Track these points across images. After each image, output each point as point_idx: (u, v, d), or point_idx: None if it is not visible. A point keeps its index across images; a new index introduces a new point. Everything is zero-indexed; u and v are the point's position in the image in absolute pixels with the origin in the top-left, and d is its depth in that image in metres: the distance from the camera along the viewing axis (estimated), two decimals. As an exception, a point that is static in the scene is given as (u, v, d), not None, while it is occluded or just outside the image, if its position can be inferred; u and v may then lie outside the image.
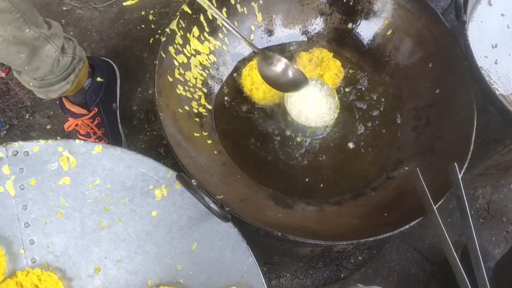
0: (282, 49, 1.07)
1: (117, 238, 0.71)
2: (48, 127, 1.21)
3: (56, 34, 0.91)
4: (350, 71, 1.05)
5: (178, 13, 0.89)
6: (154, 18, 1.35)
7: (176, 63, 0.90)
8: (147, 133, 1.23)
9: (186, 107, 0.91)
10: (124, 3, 1.35)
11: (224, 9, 0.97)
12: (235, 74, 1.01)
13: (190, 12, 0.91)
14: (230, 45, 1.02)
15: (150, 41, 1.31)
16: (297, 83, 0.88)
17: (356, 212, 0.86)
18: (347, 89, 1.03)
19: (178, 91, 0.89)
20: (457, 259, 0.67)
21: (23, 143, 0.72)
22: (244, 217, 0.70)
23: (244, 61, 1.03)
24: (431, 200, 0.73)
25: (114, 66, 1.18)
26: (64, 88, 0.98)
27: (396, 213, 0.81)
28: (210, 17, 0.95)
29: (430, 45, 0.97)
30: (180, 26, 0.89)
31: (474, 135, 0.82)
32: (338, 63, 1.03)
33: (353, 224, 0.82)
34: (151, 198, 0.73)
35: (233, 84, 1.01)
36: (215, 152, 0.91)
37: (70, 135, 1.16)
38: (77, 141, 0.73)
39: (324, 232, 0.79)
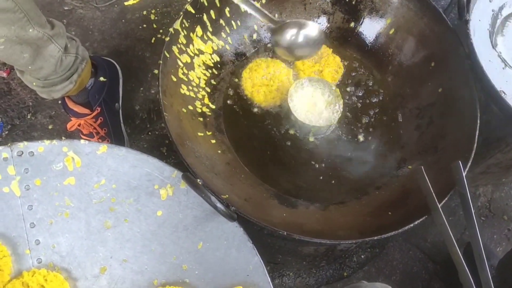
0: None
1: (122, 238, 0.71)
2: (50, 127, 1.21)
3: (59, 34, 0.91)
4: (353, 70, 1.05)
5: (181, 13, 0.89)
6: (156, 18, 1.35)
7: (180, 63, 0.90)
8: (149, 133, 1.23)
9: (190, 107, 0.91)
10: (126, 3, 1.35)
11: (227, 9, 0.97)
12: (236, 79, 1.01)
13: (193, 11, 0.91)
14: (233, 44, 1.02)
15: (152, 41, 1.31)
16: (317, 41, 0.89)
17: (361, 211, 0.86)
18: (349, 88, 1.03)
19: (182, 91, 0.89)
20: (461, 257, 0.67)
21: (28, 144, 0.71)
22: (250, 217, 0.70)
23: (244, 64, 1.03)
24: (435, 198, 0.73)
25: (117, 65, 1.18)
26: (67, 88, 0.98)
27: (400, 212, 0.82)
28: (213, 17, 0.95)
29: (433, 44, 0.97)
30: (183, 25, 0.90)
31: (477, 134, 0.82)
32: (338, 58, 1.04)
33: (358, 223, 0.82)
34: (156, 197, 0.73)
35: (236, 84, 1.01)
36: (219, 151, 0.91)
37: (72, 135, 1.16)
38: (82, 141, 0.73)
39: (329, 231, 0.79)
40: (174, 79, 0.88)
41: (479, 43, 0.91)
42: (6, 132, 1.19)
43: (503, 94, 0.86)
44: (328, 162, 0.95)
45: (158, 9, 1.36)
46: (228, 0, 0.97)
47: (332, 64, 1.02)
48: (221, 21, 0.98)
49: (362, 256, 1.15)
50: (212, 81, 0.99)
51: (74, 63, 0.96)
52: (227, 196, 0.74)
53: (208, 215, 0.72)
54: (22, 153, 0.71)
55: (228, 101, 0.99)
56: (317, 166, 0.94)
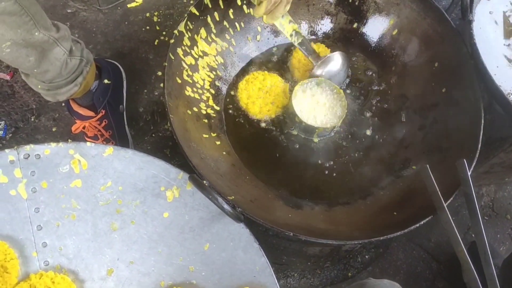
0: (288, 50, 1.07)
1: (129, 240, 0.71)
2: (53, 129, 1.21)
3: (65, 36, 0.91)
4: (357, 71, 1.06)
5: (186, 15, 0.89)
6: (159, 20, 1.35)
7: (185, 65, 0.90)
8: (153, 135, 1.24)
9: (195, 109, 0.91)
10: (129, 5, 1.35)
11: (231, 10, 0.98)
12: (232, 92, 1.01)
13: (197, 13, 0.91)
14: (236, 46, 1.02)
15: (155, 43, 1.31)
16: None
17: (365, 212, 0.87)
18: (354, 90, 1.03)
19: (186, 93, 0.90)
20: (467, 255, 0.67)
21: (35, 146, 0.72)
22: (256, 218, 0.70)
23: (244, 71, 1.04)
24: (441, 197, 0.73)
25: (120, 68, 1.18)
26: (72, 90, 0.98)
27: (405, 212, 0.82)
28: (217, 19, 0.96)
29: (436, 45, 0.97)
30: (188, 27, 0.90)
31: (481, 134, 0.83)
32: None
33: (363, 223, 0.83)
34: (162, 199, 0.73)
35: (235, 89, 1.01)
36: (224, 153, 0.91)
37: (77, 138, 1.16)
38: (88, 143, 0.74)
39: (335, 231, 0.80)
40: (179, 81, 0.88)
41: (482, 43, 0.91)
42: (10, 135, 1.19)
43: (506, 93, 0.87)
44: (332, 163, 0.95)
45: (160, 11, 1.36)
46: (231, 2, 0.97)
47: None
48: (225, 23, 0.98)
49: (366, 256, 1.15)
50: (216, 83, 0.99)
51: (79, 66, 0.97)
52: (233, 197, 0.74)
53: (214, 216, 0.72)
54: (29, 155, 0.71)
55: (233, 103, 0.99)
56: (321, 167, 0.94)
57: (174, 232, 0.72)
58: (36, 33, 0.82)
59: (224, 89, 1.00)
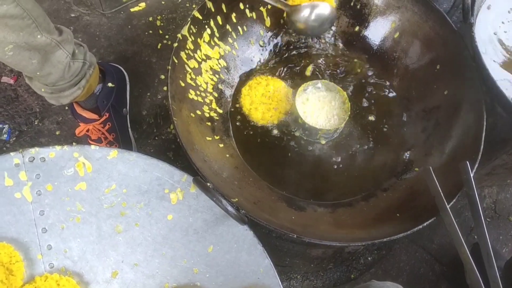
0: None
1: (133, 242, 0.72)
2: (57, 133, 1.21)
3: (67, 40, 0.91)
4: (358, 74, 1.06)
5: (189, 19, 0.90)
6: (162, 24, 1.36)
7: (188, 68, 0.91)
8: (156, 138, 1.24)
9: (198, 112, 0.92)
10: (132, 9, 1.36)
11: (234, 14, 0.98)
12: (235, 95, 1.01)
13: (200, 17, 0.92)
14: (239, 49, 1.03)
15: (158, 47, 1.32)
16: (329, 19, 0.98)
17: (368, 213, 0.87)
18: (356, 92, 1.04)
19: (190, 96, 0.90)
20: (470, 257, 0.67)
21: (39, 149, 0.72)
22: (260, 220, 0.71)
23: (247, 74, 1.04)
24: (444, 198, 0.73)
25: (124, 71, 1.19)
26: (75, 93, 0.98)
27: (408, 213, 0.82)
28: (220, 23, 0.96)
29: (438, 47, 0.98)
30: (191, 31, 0.90)
31: (484, 135, 0.83)
32: None
33: (366, 225, 0.83)
34: (166, 202, 0.73)
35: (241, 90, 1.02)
36: (227, 155, 0.92)
37: (81, 141, 1.16)
38: (93, 146, 0.74)
39: (338, 233, 0.80)
40: (183, 84, 0.89)
41: (483, 45, 0.92)
42: (14, 138, 1.20)
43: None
44: (335, 165, 0.95)
45: (163, 15, 1.37)
46: (234, 6, 0.98)
47: None
48: (228, 27, 0.99)
49: (369, 258, 1.15)
50: (219, 86, 0.99)
51: (81, 69, 0.97)
52: (237, 199, 0.75)
53: (218, 218, 0.72)
54: (34, 159, 0.72)
55: (236, 106, 1.00)
56: (324, 169, 0.94)
57: (178, 234, 0.72)
58: (39, 36, 0.82)
59: (227, 92, 1.01)
